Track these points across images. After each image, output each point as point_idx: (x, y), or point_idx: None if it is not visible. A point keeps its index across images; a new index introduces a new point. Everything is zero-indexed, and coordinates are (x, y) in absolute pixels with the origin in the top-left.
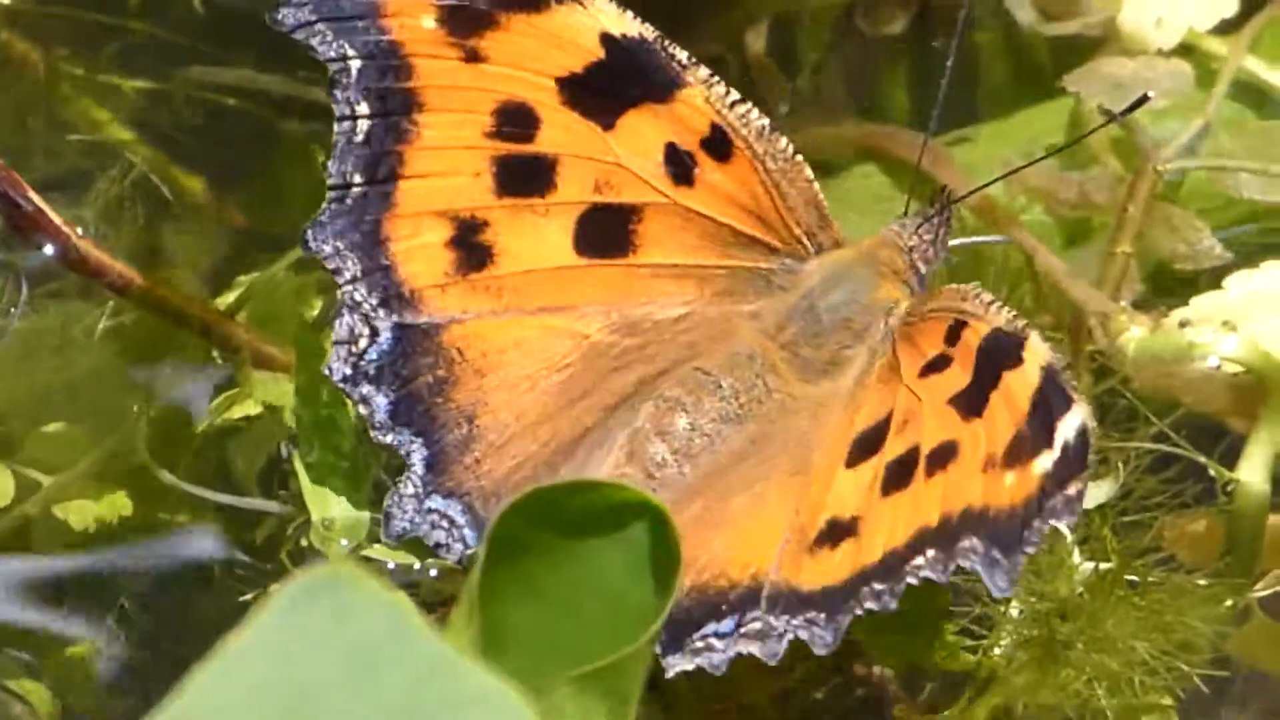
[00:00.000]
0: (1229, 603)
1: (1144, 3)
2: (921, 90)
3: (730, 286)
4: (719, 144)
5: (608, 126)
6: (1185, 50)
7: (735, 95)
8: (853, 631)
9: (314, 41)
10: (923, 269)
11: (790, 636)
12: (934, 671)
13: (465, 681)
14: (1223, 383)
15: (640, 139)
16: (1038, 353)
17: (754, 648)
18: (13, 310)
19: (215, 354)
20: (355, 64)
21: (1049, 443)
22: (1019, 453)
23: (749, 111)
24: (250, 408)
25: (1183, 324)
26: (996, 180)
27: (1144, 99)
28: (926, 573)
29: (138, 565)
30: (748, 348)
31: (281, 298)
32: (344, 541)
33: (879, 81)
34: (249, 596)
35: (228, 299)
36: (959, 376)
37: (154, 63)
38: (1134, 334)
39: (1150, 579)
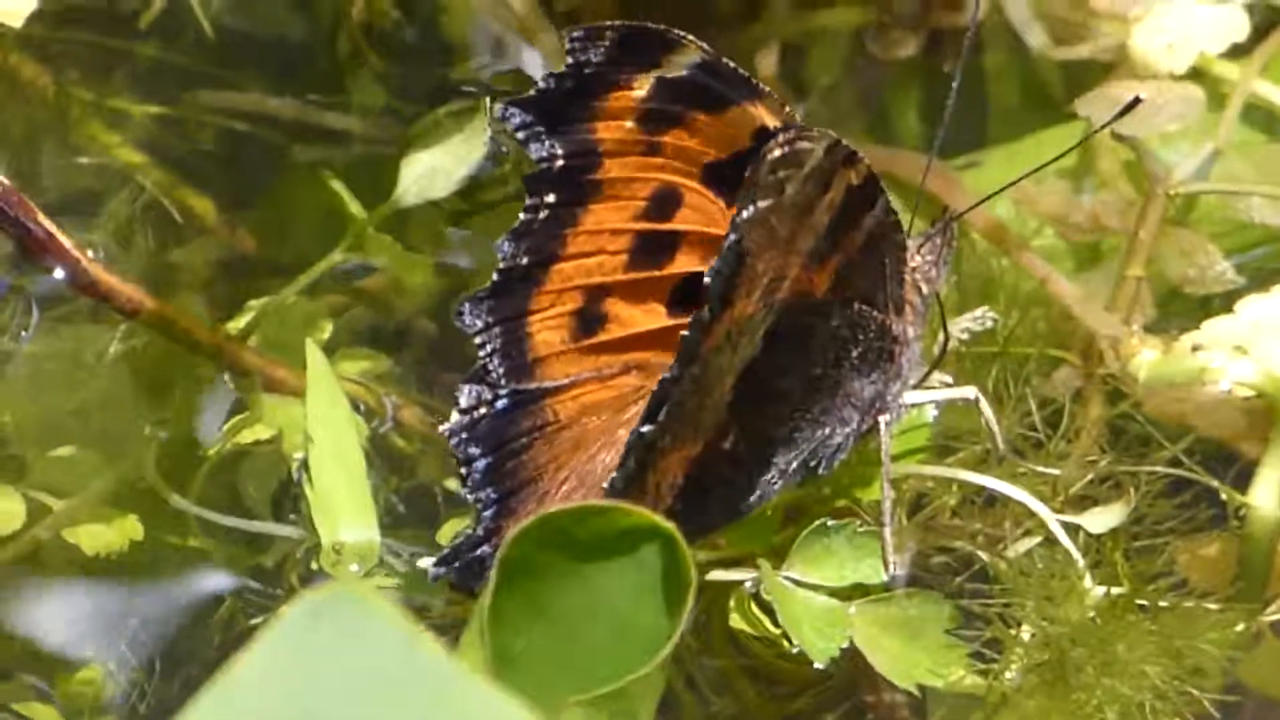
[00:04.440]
0: (1240, 627)
1: (1155, 27)
2: (933, 114)
3: None
4: None
5: (729, 202)
6: (1196, 74)
7: None
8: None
9: (530, 142)
10: (924, 289)
11: None
12: (944, 696)
13: (473, 701)
14: (1235, 407)
15: None
16: None
17: None
18: (23, 334)
19: (226, 378)
20: (560, 162)
21: None
22: None
23: None
24: (261, 432)
25: (1195, 348)
26: (996, 193)
27: (1136, 101)
28: None
29: (148, 589)
30: None
31: (292, 322)
32: (354, 566)
33: (890, 105)
34: (259, 620)
35: (238, 323)
36: None
37: (164, 87)
38: (1146, 358)
39: (1162, 603)
